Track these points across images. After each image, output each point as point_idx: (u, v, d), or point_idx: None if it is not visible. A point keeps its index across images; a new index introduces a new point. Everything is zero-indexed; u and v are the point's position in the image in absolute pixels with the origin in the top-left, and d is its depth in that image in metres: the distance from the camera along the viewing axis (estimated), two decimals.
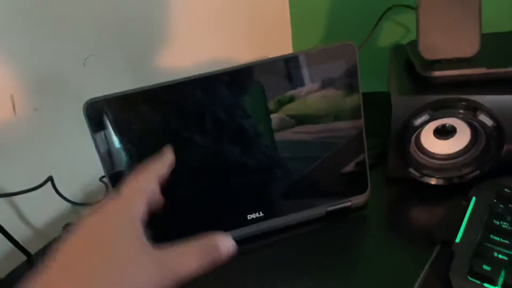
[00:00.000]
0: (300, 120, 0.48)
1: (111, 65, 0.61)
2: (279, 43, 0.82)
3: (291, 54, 0.46)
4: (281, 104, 0.47)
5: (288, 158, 0.50)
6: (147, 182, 0.34)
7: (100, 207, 0.30)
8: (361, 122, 0.49)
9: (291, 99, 0.47)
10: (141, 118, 0.45)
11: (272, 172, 0.50)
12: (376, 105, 0.61)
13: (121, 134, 0.45)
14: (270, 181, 0.50)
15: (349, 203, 0.52)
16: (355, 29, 0.72)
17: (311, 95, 0.47)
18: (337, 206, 0.52)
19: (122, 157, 0.46)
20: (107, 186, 0.60)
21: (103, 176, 0.60)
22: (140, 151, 0.46)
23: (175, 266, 0.29)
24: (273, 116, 0.47)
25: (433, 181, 0.53)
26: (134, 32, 0.62)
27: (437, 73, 0.48)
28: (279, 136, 0.48)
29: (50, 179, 0.54)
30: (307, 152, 0.50)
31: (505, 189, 0.47)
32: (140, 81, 0.62)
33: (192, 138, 0.46)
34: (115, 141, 0.45)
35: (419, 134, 0.51)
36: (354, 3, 0.72)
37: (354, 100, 0.48)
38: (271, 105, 0.47)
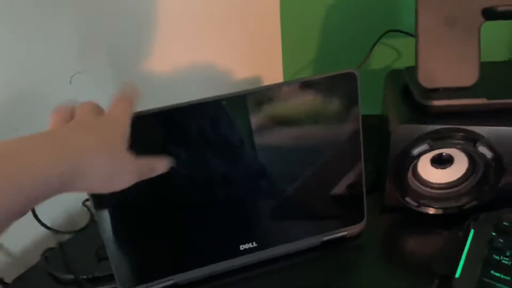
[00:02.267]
0: (296, 145, 0.47)
1: (98, 83, 0.58)
2: (269, 60, 0.81)
3: (289, 82, 0.45)
4: (278, 124, 0.46)
5: (283, 184, 0.48)
6: (130, 106, 0.38)
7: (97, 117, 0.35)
8: (360, 151, 0.48)
9: (291, 122, 0.46)
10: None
11: (266, 200, 0.48)
12: (369, 128, 0.60)
13: None
14: (264, 210, 0.48)
15: (345, 233, 0.50)
16: (348, 51, 0.71)
17: (309, 118, 0.46)
18: (333, 236, 0.50)
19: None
20: (90, 211, 0.57)
21: (86, 200, 0.58)
22: None
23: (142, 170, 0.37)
24: (268, 137, 0.46)
25: (430, 211, 0.52)
26: (122, 48, 0.60)
27: (436, 102, 0.47)
28: (273, 160, 0.47)
29: None
30: (302, 178, 0.49)
31: (504, 223, 0.46)
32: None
33: (180, 168, 0.44)
34: None
35: (416, 163, 0.50)
36: (348, 28, 0.71)
37: (354, 127, 0.47)
38: (266, 128, 0.45)
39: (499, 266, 0.43)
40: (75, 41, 0.55)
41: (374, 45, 0.63)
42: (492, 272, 0.42)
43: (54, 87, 0.53)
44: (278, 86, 0.45)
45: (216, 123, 0.44)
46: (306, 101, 0.45)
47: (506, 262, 0.43)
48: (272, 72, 0.81)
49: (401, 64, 0.58)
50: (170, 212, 0.45)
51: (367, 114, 0.63)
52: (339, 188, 0.49)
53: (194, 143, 0.44)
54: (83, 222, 0.57)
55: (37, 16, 0.50)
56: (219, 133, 0.44)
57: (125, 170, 0.34)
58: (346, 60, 0.71)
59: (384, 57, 0.71)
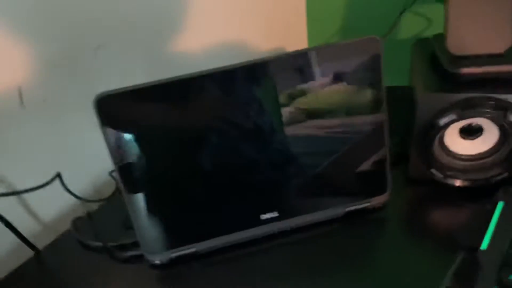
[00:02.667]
0: (317, 114, 0.46)
1: (123, 56, 0.59)
2: (294, 32, 0.79)
3: (312, 48, 0.44)
4: (296, 97, 0.45)
5: (304, 155, 0.48)
6: None
7: None
8: (383, 118, 0.47)
9: (308, 93, 0.45)
10: (152, 113, 0.43)
11: (287, 170, 0.48)
12: (396, 100, 0.58)
13: (132, 129, 0.43)
14: (286, 179, 0.48)
15: (368, 204, 0.50)
16: (374, 20, 0.69)
17: (330, 88, 0.45)
18: (355, 207, 0.50)
19: (132, 152, 0.44)
20: (116, 181, 0.59)
21: (113, 171, 0.59)
22: (151, 147, 0.44)
23: None
24: (287, 110, 0.45)
25: (457, 183, 0.50)
26: (147, 21, 0.60)
27: (466, 70, 0.45)
28: (294, 131, 0.46)
29: (58, 175, 0.52)
30: (324, 148, 0.48)
31: None
32: (153, 72, 0.61)
33: (204, 136, 0.44)
34: (126, 136, 0.43)
35: (443, 133, 0.49)
36: None
37: (377, 95, 0.45)
38: (285, 99, 0.45)
39: None
40: (102, 12, 0.55)
41: (402, 12, 0.61)
42: None
43: (80, 58, 0.54)
44: (299, 53, 0.44)
45: (236, 90, 0.44)
46: (328, 69, 0.44)
47: None
48: (297, 45, 0.79)
49: (431, 33, 0.56)
50: (192, 181, 0.46)
51: (396, 86, 0.62)
52: (363, 160, 0.49)
53: (216, 110, 0.44)
54: (110, 192, 0.59)
55: None
56: (240, 101, 0.44)
57: None
58: (373, 30, 0.69)
59: (413, 26, 0.68)
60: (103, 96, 0.41)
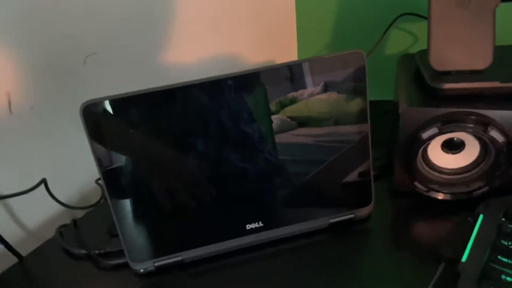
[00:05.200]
0: (302, 123, 0.47)
1: (112, 64, 0.59)
2: (284, 45, 0.80)
3: (299, 60, 0.45)
4: (283, 106, 0.46)
5: (291, 164, 0.48)
6: None
7: None
8: (367, 129, 0.48)
9: (294, 101, 0.46)
10: (139, 122, 0.44)
11: (274, 180, 0.48)
12: (382, 114, 0.59)
13: (118, 137, 0.44)
14: (271, 189, 0.49)
15: (352, 215, 0.50)
16: (363, 35, 0.70)
17: (315, 98, 0.46)
18: (340, 218, 0.50)
19: (118, 160, 0.44)
20: (102, 189, 0.59)
21: (99, 179, 0.59)
22: (137, 154, 0.45)
23: None
24: (274, 118, 0.46)
25: (439, 196, 0.51)
26: (136, 31, 0.61)
27: (448, 85, 0.47)
28: (282, 139, 0.47)
29: (44, 181, 0.52)
30: (311, 157, 0.49)
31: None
32: (142, 81, 0.61)
33: (192, 144, 0.45)
34: (112, 143, 0.44)
35: (426, 147, 0.50)
36: (363, 9, 0.70)
37: (361, 106, 0.46)
38: (273, 107, 0.46)
39: (507, 252, 0.42)
40: (92, 20, 0.56)
41: (387, 29, 0.63)
42: (499, 257, 0.42)
43: (69, 65, 0.55)
44: (284, 65, 0.45)
45: (224, 100, 0.44)
46: (317, 80, 0.45)
47: None
48: (287, 57, 0.80)
49: (417, 49, 0.57)
50: (178, 189, 0.46)
51: (382, 100, 0.63)
52: (348, 172, 0.49)
53: (204, 119, 0.45)
54: (96, 200, 0.59)
55: None
56: (228, 111, 0.45)
57: None
58: (362, 44, 0.70)
59: (400, 41, 0.70)
60: (90, 104, 0.41)
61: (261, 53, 0.77)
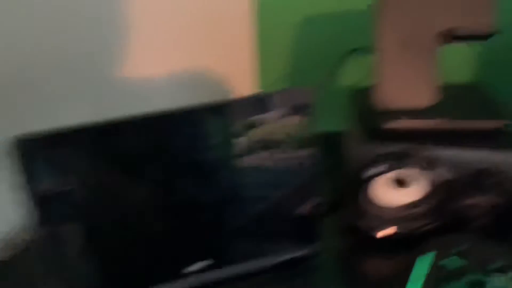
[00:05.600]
0: (263, 146, 0.46)
1: (58, 93, 0.57)
2: (241, 64, 0.81)
3: (248, 96, 0.45)
4: (246, 129, 0.45)
5: (236, 204, 0.47)
6: None
7: None
8: (314, 172, 0.47)
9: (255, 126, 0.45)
10: (78, 159, 0.42)
11: (217, 219, 0.47)
12: (335, 146, 0.59)
13: (53, 172, 0.41)
14: (215, 229, 0.47)
15: (300, 254, 0.49)
16: (322, 68, 0.72)
17: (265, 136, 0.45)
18: (288, 257, 0.49)
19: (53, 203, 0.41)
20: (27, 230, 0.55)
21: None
22: (77, 195, 0.42)
23: None
24: (235, 142, 0.45)
25: (386, 233, 0.51)
26: (85, 57, 0.59)
27: (393, 124, 0.47)
28: (240, 164, 0.46)
29: None
30: (257, 199, 0.48)
31: (461, 246, 0.46)
32: (91, 98, 0.59)
33: (129, 181, 0.43)
34: (45, 180, 0.41)
35: (373, 183, 0.50)
36: (321, 43, 0.72)
37: (309, 148, 0.46)
38: (233, 132, 0.45)
39: None
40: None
41: (339, 63, 0.63)
42: None
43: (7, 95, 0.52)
44: (233, 101, 0.44)
45: (169, 134, 0.43)
46: (261, 118, 0.45)
47: (459, 286, 0.42)
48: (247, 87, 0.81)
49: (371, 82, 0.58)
50: (113, 224, 0.44)
51: (335, 131, 0.63)
52: (294, 209, 0.49)
53: (148, 154, 0.43)
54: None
55: None
56: (177, 145, 0.44)
57: None
58: (319, 77, 0.72)
59: (355, 74, 0.71)
60: (24, 138, 0.39)
61: (218, 71, 0.77)
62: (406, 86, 0.48)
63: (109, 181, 0.43)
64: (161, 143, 0.43)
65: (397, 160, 0.46)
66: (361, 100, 0.57)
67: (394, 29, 0.48)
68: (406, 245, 0.50)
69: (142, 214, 0.44)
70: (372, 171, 0.47)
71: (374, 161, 0.47)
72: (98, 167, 0.42)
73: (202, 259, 0.47)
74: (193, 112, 0.43)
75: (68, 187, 0.41)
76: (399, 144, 0.47)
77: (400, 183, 0.51)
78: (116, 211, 0.44)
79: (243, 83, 0.80)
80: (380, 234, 0.51)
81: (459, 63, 0.64)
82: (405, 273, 0.45)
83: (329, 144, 0.56)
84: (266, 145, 0.46)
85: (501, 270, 0.42)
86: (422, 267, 0.45)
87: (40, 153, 0.39)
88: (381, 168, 0.46)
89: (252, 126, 0.45)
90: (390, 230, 0.51)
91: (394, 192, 0.51)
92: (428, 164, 0.46)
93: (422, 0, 0.48)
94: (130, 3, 0.62)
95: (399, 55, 0.48)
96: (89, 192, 0.42)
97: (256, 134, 0.45)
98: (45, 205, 0.41)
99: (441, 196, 0.48)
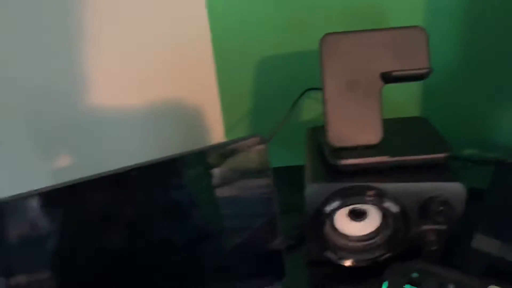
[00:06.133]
0: (213, 204, 0.48)
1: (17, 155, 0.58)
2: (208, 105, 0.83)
3: (204, 148, 0.47)
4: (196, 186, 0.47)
5: (199, 244, 0.48)
6: None
7: None
8: (275, 210, 0.50)
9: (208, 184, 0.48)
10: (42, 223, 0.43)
11: (180, 260, 0.48)
12: (297, 181, 0.62)
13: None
14: (178, 270, 0.48)
15: None
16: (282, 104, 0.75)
17: (225, 181, 0.48)
18: None
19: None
20: None
21: None
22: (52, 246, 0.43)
23: None
24: (183, 198, 0.47)
25: (348, 263, 0.54)
26: (46, 116, 0.60)
27: (344, 162, 0.50)
28: (190, 217, 0.47)
29: None
30: (219, 237, 0.49)
31: (414, 274, 0.49)
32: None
33: (103, 230, 0.44)
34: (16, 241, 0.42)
35: (332, 217, 0.52)
36: (281, 81, 0.76)
37: (268, 189, 0.49)
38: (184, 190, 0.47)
39: None
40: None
41: (295, 103, 0.67)
42: None
43: None
44: (192, 152, 0.46)
45: (144, 186, 0.45)
46: (221, 167, 0.47)
47: None
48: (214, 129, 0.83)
49: None
50: (81, 270, 0.45)
51: (298, 165, 0.66)
52: (258, 247, 0.51)
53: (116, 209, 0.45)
54: None
55: None
56: (148, 195, 0.46)
57: None
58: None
59: (312, 112, 0.74)
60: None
61: (186, 121, 0.79)
62: (353, 125, 0.51)
63: (83, 233, 0.44)
64: (133, 194, 0.45)
65: (350, 197, 0.49)
66: (316, 137, 0.60)
67: (338, 72, 0.51)
68: (369, 274, 0.53)
69: (116, 258, 0.46)
70: (328, 207, 0.49)
71: (330, 198, 0.49)
72: (71, 220, 0.44)
73: None
74: (163, 164, 0.45)
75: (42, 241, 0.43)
76: (351, 181, 0.50)
77: (358, 216, 0.54)
78: (90, 258, 0.45)
79: (212, 112, 0.82)
80: (347, 263, 0.54)
81: (404, 99, 0.69)
82: None
83: (289, 179, 0.59)
84: (231, 178, 0.49)
85: None
86: None
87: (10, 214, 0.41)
88: (336, 204, 0.49)
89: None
90: (352, 260, 0.54)
91: (353, 225, 0.54)
92: (378, 199, 0.49)
93: (363, 45, 0.51)
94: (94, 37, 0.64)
95: (345, 96, 0.51)
96: (62, 243, 0.44)
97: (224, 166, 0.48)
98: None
99: (393, 227, 0.52)
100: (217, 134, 0.84)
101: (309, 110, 0.74)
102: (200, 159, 0.47)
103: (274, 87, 0.75)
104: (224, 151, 0.47)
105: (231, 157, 0.48)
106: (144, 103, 0.72)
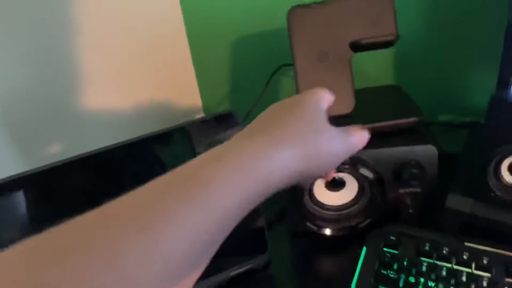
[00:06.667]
0: None
1: None
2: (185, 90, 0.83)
3: (180, 124, 0.48)
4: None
5: None
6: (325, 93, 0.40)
7: (295, 96, 0.38)
8: None
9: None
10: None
11: None
12: None
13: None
14: None
15: (251, 265, 0.52)
16: (257, 83, 0.75)
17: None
18: (240, 270, 0.52)
19: None
20: None
21: None
22: None
23: (350, 142, 0.37)
24: None
25: (329, 232, 0.54)
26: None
27: None
28: None
29: None
30: None
31: (391, 237, 0.50)
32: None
33: None
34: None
35: (311, 187, 0.53)
36: (255, 62, 0.76)
37: None
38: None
39: (387, 280, 0.46)
40: None
41: (270, 79, 0.67)
42: (380, 286, 0.45)
43: None
44: (166, 131, 0.47)
45: (133, 164, 0.46)
46: (195, 143, 0.48)
47: (393, 276, 0.46)
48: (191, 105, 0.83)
49: None
50: None
51: None
52: (244, 221, 0.51)
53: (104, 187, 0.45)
54: None
55: None
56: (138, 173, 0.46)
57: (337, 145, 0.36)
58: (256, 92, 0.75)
59: (287, 88, 0.75)
60: None
61: (165, 102, 0.79)
62: None
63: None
64: (121, 173, 0.46)
65: None
66: None
67: (307, 44, 0.51)
68: (351, 241, 0.54)
69: None
70: None
71: None
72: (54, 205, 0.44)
73: None
74: (152, 139, 0.46)
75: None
76: None
77: (335, 186, 0.55)
78: None
79: (190, 105, 0.83)
80: (328, 233, 0.55)
81: (378, 68, 0.69)
82: (349, 268, 0.49)
83: None
84: None
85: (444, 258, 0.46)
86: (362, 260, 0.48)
87: None
88: None
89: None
90: (332, 229, 0.55)
91: (331, 194, 0.55)
92: (353, 167, 0.49)
93: (330, 15, 0.51)
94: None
95: (315, 68, 0.51)
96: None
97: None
98: None
99: (370, 194, 0.52)
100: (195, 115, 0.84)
101: (285, 86, 0.74)
102: (177, 136, 0.47)
103: (251, 65, 0.75)
104: (201, 127, 0.48)
105: (204, 134, 0.48)
106: (121, 90, 0.72)
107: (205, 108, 0.81)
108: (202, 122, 0.49)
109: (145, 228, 0.23)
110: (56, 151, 0.64)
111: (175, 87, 0.78)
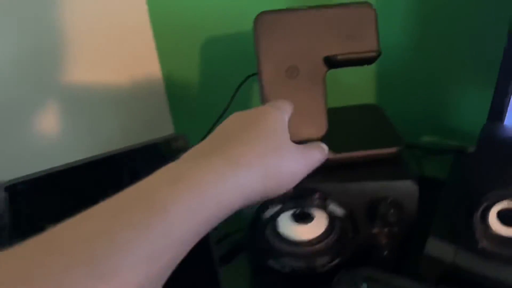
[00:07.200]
0: None
1: None
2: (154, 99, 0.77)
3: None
4: None
5: None
6: (288, 106, 0.40)
7: (257, 108, 0.36)
8: None
9: None
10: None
11: None
12: None
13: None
14: None
15: None
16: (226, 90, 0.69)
17: None
18: None
19: None
20: None
21: None
22: None
23: (310, 158, 0.36)
24: None
25: (294, 270, 0.48)
26: None
27: None
28: None
29: None
30: None
31: (364, 283, 0.44)
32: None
33: None
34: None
35: (274, 223, 0.47)
36: (225, 71, 0.69)
37: None
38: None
39: None
40: None
41: (236, 91, 0.60)
42: None
43: None
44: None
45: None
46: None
47: None
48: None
49: None
50: None
51: None
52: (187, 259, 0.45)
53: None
54: None
55: None
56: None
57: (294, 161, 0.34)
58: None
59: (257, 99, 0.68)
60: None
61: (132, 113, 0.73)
62: (294, 118, 0.44)
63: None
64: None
65: (291, 200, 0.44)
66: None
67: (275, 56, 0.45)
68: (318, 281, 0.48)
69: None
70: (268, 212, 0.44)
71: (270, 202, 0.44)
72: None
73: None
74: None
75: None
76: None
77: (303, 218, 0.48)
78: None
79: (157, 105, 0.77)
80: (293, 271, 0.48)
81: (357, 83, 0.63)
82: None
83: None
84: None
85: None
86: None
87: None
88: (276, 208, 0.43)
89: None
90: (300, 268, 0.49)
91: (298, 228, 0.49)
92: (321, 202, 0.43)
93: (304, 25, 0.45)
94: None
95: (284, 85, 0.45)
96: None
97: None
98: None
99: (340, 230, 0.46)
100: (165, 124, 0.78)
101: (255, 97, 0.67)
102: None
103: (219, 74, 0.68)
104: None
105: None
106: (84, 92, 0.65)
107: (174, 118, 0.75)
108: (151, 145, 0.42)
109: (92, 258, 0.22)
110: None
111: (142, 94, 0.72)
